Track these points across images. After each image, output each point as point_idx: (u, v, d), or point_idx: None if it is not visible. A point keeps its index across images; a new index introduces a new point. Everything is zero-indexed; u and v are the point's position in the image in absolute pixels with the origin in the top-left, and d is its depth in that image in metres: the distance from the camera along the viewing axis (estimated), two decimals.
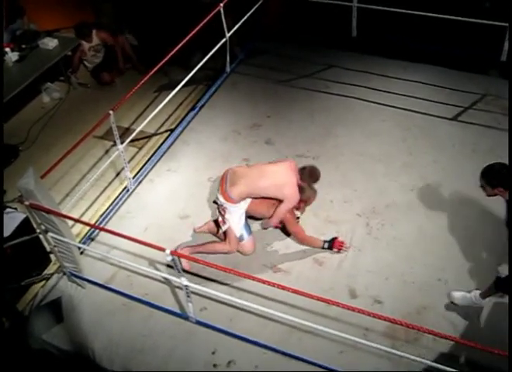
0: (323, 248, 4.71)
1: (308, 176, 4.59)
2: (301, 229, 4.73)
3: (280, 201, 4.53)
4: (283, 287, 3.38)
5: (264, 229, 4.92)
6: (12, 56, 6.36)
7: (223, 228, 4.58)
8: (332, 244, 4.71)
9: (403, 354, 3.51)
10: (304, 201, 4.79)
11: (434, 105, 6.31)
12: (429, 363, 3.49)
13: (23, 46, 6.56)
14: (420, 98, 6.40)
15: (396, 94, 6.50)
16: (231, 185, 4.45)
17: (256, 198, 4.60)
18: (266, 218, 4.76)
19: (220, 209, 4.61)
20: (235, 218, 4.53)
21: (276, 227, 4.88)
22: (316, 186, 4.87)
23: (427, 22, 6.48)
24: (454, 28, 6.42)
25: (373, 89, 6.60)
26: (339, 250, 4.72)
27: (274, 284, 3.41)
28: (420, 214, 5.08)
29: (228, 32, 6.37)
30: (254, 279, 3.46)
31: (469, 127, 5.99)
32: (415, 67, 6.93)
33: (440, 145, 5.81)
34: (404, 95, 6.47)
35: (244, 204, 4.57)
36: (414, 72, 6.84)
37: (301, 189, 4.56)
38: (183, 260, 4.42)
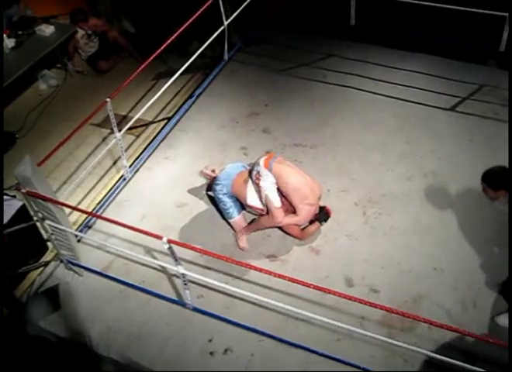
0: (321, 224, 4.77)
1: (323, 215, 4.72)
2: (301, 232, 4.72)
3: (290, 212, 4.55)
4: (280, 276, 3.39)
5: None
6: (8, 42, 6.30)
7: (262, 197, 4.47)
8: (327, 215, 4.75)
9: (398, 343, 3.54)
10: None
11: (431, 94, 6.30)
12: (424, 351, 3.51)
13: (20, 33, 6.49)
14: (418, 88, 6.39)
15: (394, 83, 6.49)
16: (278, 162, 4.48)
17: None
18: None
19: (254, 178, 4.51)
20: (269, 186, 4.45)
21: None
22: (314, 175, 4.87)
23: (426, 12, 6.44)
24: (453, 18, 6.39)
25: (371, 78, 6.58)
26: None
27: (270, 273, 3.42)
28: (416, 203, 5.09)
29: (226, 19, 6.34)
30: (250, 267, 3.48)
31: (467, 117, 5.99)
32: (413, 56, 6.91)
33: (437, 135, 5.81)
34: (402, 85, 6.46)
35: (274, 181, 4.47)
36: (412, 62, 6.82)
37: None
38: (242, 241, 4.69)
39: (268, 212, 4.54)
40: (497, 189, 3.89)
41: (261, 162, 4.48)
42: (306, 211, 4.47)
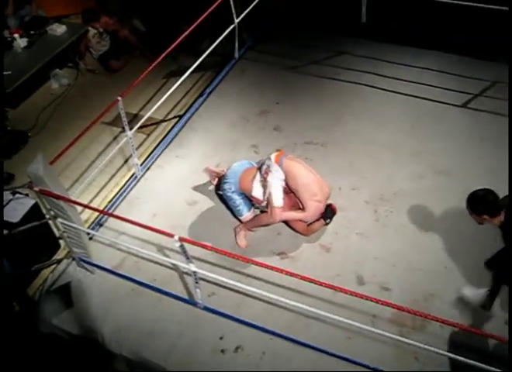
0: (327, 224, 4.77)
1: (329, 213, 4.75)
2: (306, 228, 4.72)
3: (296, 207, 4.57)
4: (290, 274, 3.39)
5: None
6: (20, 42, 6.35)
7: (266, 192, 4.50)
8: (333, 213, 4.77)
9: (410, 341, 3.52)
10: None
11: (443, 92, 6.26)
12: (436, 350, 3.49)
13: (32, 33, 6.55)
14: (430, 85, 6.36)
15: (406, 81, 6.46)
16: (289, 159, 4.51)
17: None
18: None
19: (263, 172, 4.55)
20: (276, 183, 4.46)
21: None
22: (325, 173, 4.86)
23: (438, 8, 6.39)
24: (464, 14, 6.34)
25: (382, 76, 6.55)
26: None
27: (281, 271, 3.42)
28: (428, 201, 5.07)
29: (237, 17, 6.34)
30: (261, 265, 3.47)
31: (479, 114, 5.95)
32: (425, 53, 6.87)
33: (449, 132, 5.77)
34: (413, 82, 6.43)
35: (283, 178, 4.49)
36: (424, 59, 6.78)
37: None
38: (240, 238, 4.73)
39: (267, 208, 4.56)
40: (480, 214, 3.79)
41: (272, 157, 4.52)
42: (314, 208, 4.47)
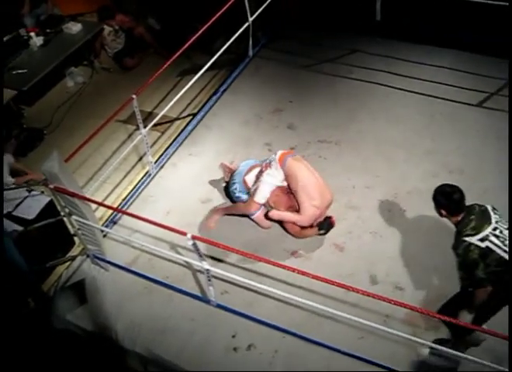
0: (320, 234, 4.68)
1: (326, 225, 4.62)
2: (298, 230, 4.67)
3: (293, 209, 4.55)
4: (303, 273, 3.39)
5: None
6: (36, 40, 6.41)
7: (255, 185, 4.56)
8: (329, 225, 4.63)
9: (423, 341, 3.51)
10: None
11: (458, 90, 6.21)
12: (449, 350, 3.47)
13: (48, 31, 6.61)
14: (445, 84, 6.31)
15: (420, 79, 6.41)
16: (295, 159, 4.52)
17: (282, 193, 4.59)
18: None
19: (264, 165, 4.59)
20: (268, 182, 4.50)
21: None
22: (339, 171, 4.85)
23: (453, 6, 6.34)
24: (480, 12, 6.28)
25: (397, 74, 6.51)
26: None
27: (293, 270, 3.42)
28: None
29: (251, 16, 6.34)
30: (274, 264, 3.47)
31: (494, 113, 5.89)
32: (440, 51, 6.82)
33: (463, 131, 5.73)
34: (428, 81, 6.38)
35: (281, 178, 4.53)
36: (439, 57, 6.73)
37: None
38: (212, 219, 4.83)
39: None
40: (440, 208, 3.85)
41: (278, 154, 4.55)
42: (310, 212, 4.42)
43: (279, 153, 4.57)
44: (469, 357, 3.32)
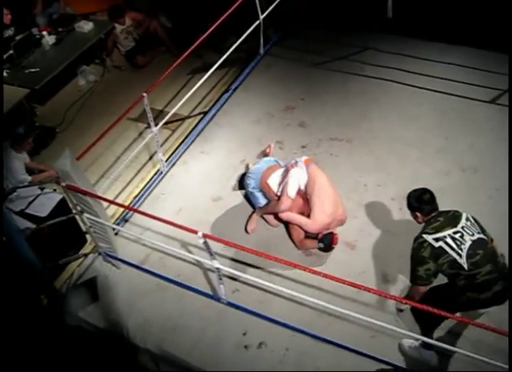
0: (319, 249, 4.59)
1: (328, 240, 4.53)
2: (301, 239, 4.64)
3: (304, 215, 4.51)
4: (314, 272, 3.38)
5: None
6: (49, 39, 6.44)
7: (284, 181, 4.51)
8: (330, 241, 4.53)
9: (434, 342, 3.49)
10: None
11: (470, 87, 6.16)
12: (461, 351, 3.44)
13: (60, 30, 6.64)
14: (457, 81, 6.26)
15: (433, 77, 6.37)
16: (317, 167, 4.54)
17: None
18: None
19: (289, 165, 4.57)
20: (296, 176, 4.45)
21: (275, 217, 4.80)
22: (350, 169, 4.82)
23: (464, 3, 6.29)
24: (491, 9, 6.24)
25: (409, 72, 6.47)
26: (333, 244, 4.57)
27: (304, 268, 3.41)
28: (454, 199, 4.97)
29: (262, 13, 6.32)
30: (285, 263, 3.46)
31: (507, 110, 5.82)
32: (452, 49, 6.77)
33: (477, 129, 5.69)
34: (441, 78, 6.33)
35: (305, 179, 4.49)
36: (451, 54, 6.68)
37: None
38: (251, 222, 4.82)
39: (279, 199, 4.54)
40: (413, 211, 3.91)
41: (303, 157, 4.57)
42: (319, 219, 4.36)
43: (304, 157, 4.61)
44: (470, 354, 3.29)
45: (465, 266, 3.50)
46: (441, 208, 4.87)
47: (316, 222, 4.38)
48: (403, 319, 4.08)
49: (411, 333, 3.51)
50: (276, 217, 4.75)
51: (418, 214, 3.88)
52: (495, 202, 4.93)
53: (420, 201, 3.84)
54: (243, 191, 5.18)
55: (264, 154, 5.38)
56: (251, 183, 4.76)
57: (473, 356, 3.26)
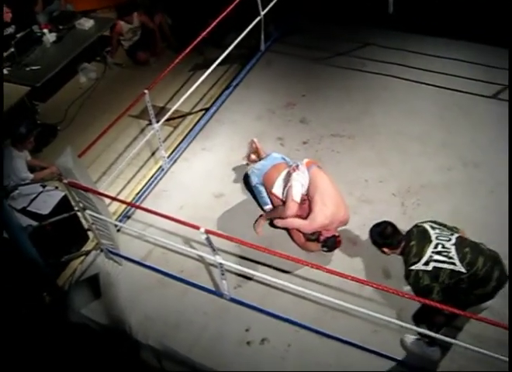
0: (323, 250, 4.56)
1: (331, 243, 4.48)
2: (304, 242, 4.60)
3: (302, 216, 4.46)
4: (317, 267, 3.37)
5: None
6: (49, 37, 6.44)
7: (287, 186, 4.47)
8: (334, 245, 4.50)
9: (436, 335, 3.48)
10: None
11: (472, 82, 6.15)
12: (464, 345, 3.44)
13: (60, 27, 6.64)
14: (458, 76, 6.25)
15: (434, 72, 6.36)
16: (320, 168, 4.52)
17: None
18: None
19: (291, 169, 4.54)
20: (298, 180, 4.42)
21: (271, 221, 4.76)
22: (352, 165, 4.81)
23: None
24: (491, 4, 6.22)
25: (411, 67, 6.46)
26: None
27: (307, 263, 3.41)
28: (456, 194, 5.00)
29: (263, 10, 6.31)
30: (287, 258, 3.47)
31: (509, 105, 5.81)
32: (453, 44, 6.76)
33: (479, 124, 5.68)
34: (442, 73, 6.32)
35: (306, 182, 4.47)
36: (452, 49, 6.67)
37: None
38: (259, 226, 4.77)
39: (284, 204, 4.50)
40: (380, 247, 3.92)
41: (305, 160, 4.54)
42: (318, 219, 4.30)
43: (306, 159, 4.58)
44: (471, 347, 3.29)
45: (463, 269, 3.53)
46: (444, 203, 4.93)
47: (313, 222, 4.33)
48: (406, 315, 4.08)
49: (414, 327, 3.51)
50: (272, 224, 4.71)
51: (385, 249, 3.90)
52: (496, 197, 4.93)
53: (385, 237, 3.85)
54: (245, 188, 5.18)
55: (254, 152, 5.29)
56: (254, 179, 4.74)
57: (475, 349, 3.26)
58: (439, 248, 3.62)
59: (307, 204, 4.45)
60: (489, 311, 3.98)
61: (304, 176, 4.44)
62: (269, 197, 4.71)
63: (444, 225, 3.90)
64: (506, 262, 4.21)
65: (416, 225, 3.92)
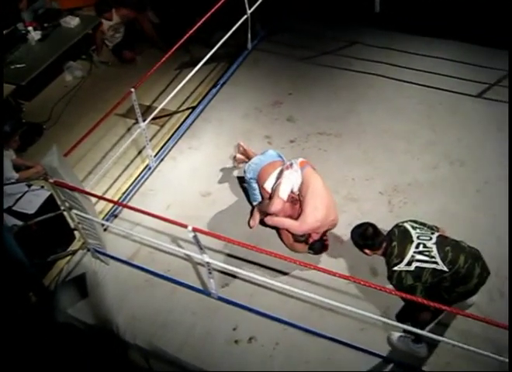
0: (309, 252, 4.55)
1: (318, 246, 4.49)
2: (292, 242, 4.56)
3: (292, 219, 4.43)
4: (304, 264, 3.38)
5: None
6: (34, 35, 6.37)
7: (277, 183, 4.46)
8: (321, 249, 4.51)
9: (424, 333, 3.51)
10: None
11: (458, 81, 6.19)
12: (451, 341, 3.46)
13: (46, 25, 6.57)
14: (445, 75, 6.29)
15: (420, 70, 6.39)
16: (313, 169, 4.50)
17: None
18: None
19: (284, 167, 4.52)
20: (289, 178, 4.40)
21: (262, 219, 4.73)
22: (338, 163, 4.82)
23: None
24: (480, 3, 6.27)
25: (397, 66, 6.50)
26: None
27: (295, 261, 3.42)
28: (442, 192, 5.03)
29: (250, 8, 6.31)
30: (275, 256, 3.47)
31: (495, 104, 5.88)
32: (439, 43, 6.80)
33: (464, 122, 5.72)
34: (428, 72, 6.36)
35: (299, 182, 4.46)
36: (438, 48, 6.71)
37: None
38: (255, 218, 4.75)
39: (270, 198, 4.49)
40: (361, 249, 3.93)
41: (299, 159, 4.52)
42: (309, 221, 4.28)
43: (300, 158, 4.55)
44: (459, 344, 3.32)
45: (445, 268, 3.56)
46: (431, 201, 4.96)
47: (304, 224, 4.30)
48: (393, 313, 4.11)
49: (400, 325, 3.53)
50: (262, 222, 4.70)
51: (367, 250, 3.90)
52: (483, 195, 4.97)
53: (366, 238, 3.85)
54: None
55: (242, 153, 5.26)
56: (250, 174, 4.71)
57: (462, 346, 3.28)
58: (421, 248, 3.64)
59: (299, 205, 4.44)
60: (475, 308, 4.03)
61: (297, 175, 4.43)
62: (261, 193, 4.71)
63: (424, 224, 3.93)
64: (506, 262, 4.30)
65: (397, 225, 3.93)
